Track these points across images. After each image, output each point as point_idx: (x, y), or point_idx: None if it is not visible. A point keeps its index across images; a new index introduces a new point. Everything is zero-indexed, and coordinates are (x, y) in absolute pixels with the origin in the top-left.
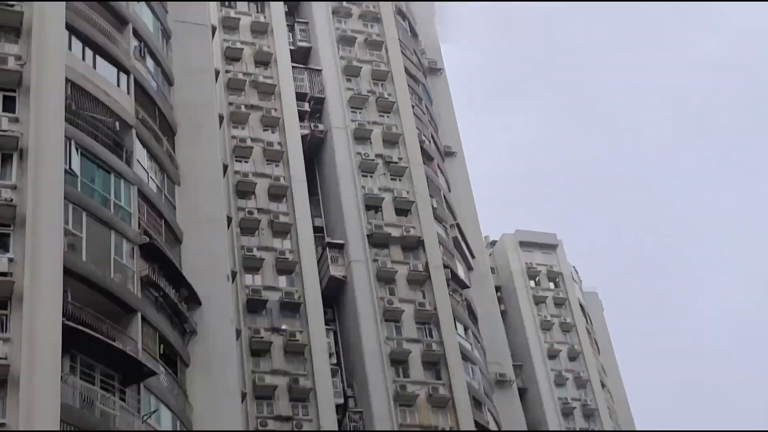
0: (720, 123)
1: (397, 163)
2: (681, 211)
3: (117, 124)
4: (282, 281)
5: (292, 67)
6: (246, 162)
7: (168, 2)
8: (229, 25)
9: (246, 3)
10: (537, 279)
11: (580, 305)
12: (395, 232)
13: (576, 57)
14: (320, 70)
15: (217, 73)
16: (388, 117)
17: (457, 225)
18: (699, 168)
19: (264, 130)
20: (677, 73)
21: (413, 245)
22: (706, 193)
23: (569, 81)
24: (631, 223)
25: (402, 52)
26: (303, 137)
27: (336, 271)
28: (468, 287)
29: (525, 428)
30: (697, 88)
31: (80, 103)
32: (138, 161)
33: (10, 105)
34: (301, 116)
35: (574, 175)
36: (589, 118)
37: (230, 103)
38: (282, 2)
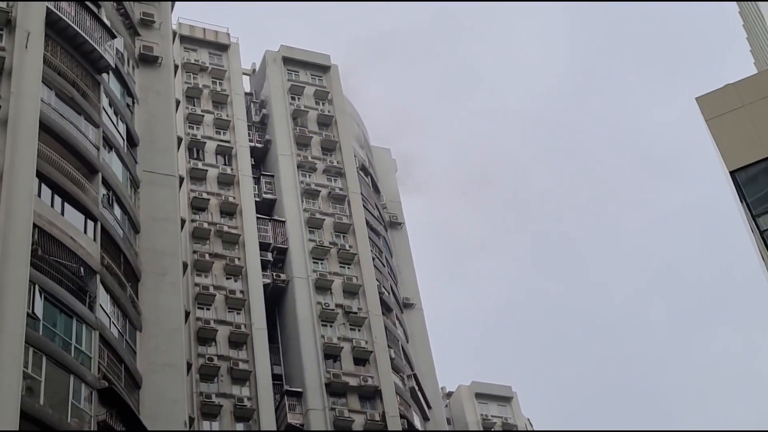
0: (686, 273)
1: (356, 313)
2: (649, 361)
3: (82, 269)
4: (240, 428)
5: (257, 217)
6: (208, 309)
7: (138, 153)
8: (197, 176)
9: (214, 155)
10: (492, 431)
11: None
12: (353, 381)
13: (544, 206)
14: (284, 222)
15: (183, 221)
16: (349, 268)
17: (414, 375)
18: (668, 317)
19: (227, 279)
20: (645, 223)
21: (370, 395)
22: (675, 342)
23: (537, 230)
24: (598, 374)
25: (364, 206)
26: (265, 286)
27: (293, 419)
28: None
29: None
30: (664, 239)
31: (46, 249)
32: (101, 306)
33: None
34: (264, 265)
35: (538, 326)
36: (554, 269)
37: (195, 251)
38: (249, 156)
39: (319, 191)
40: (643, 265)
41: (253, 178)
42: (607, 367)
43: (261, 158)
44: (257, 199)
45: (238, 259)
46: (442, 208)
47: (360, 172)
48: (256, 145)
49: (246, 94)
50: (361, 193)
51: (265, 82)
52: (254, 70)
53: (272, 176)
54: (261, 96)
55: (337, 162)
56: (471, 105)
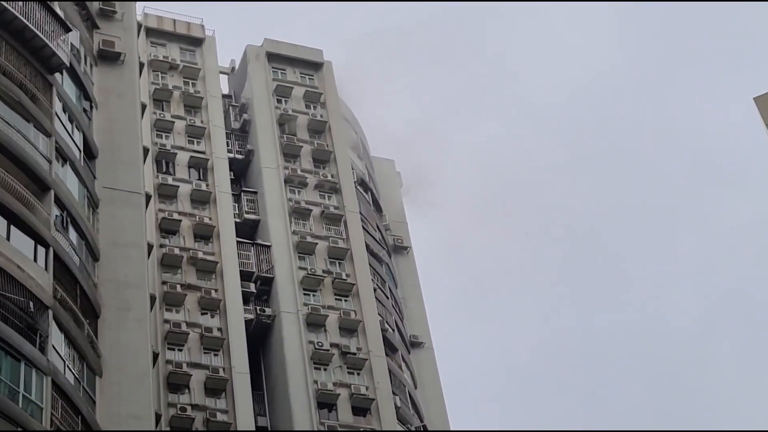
0: (758, 297)
1: (355, 354)
2: (715, 404)
3: (31, 304)
4: None
5: (237, 242)
6: (180, 350)
7: (96, 167)
8: (166, 193)
9: (186, 169)
10: None
11: None
12: None
13: (582, 222)
14: (269, 246)
15: (150, 247)
16: (346, 301)
17: (424, 427)
18: (735, 350)
19: (202, 314)
20: (706, 239)
21: None
22: (745, 380)
23: (574, 252)
24: (654, 423)
25: (363, 228)
26: (247, 322)
27: None
28: None
29: None
30: (729, 257)
31: None
32: (54, 347)
33: None
34: (246, 298)
35: (578, 368)
36: (596, 298)
37: (164, 282)
38: (227, 169)
39: (311, 210)
40: (704, 289)
41: (233, 195)
42: (665, 414)
43: (242, 172)
44: (237, 220)
45: (216, 290)
46: (458, 228)
47: (358, 187)
48: (236, 156)
49: (224, 96)
50: (360, 213)
51: (247, 82)
52: (233, 69)
53: (255, 193)
54: (241, 98)
55: (332, 176)
56: (497, 108)
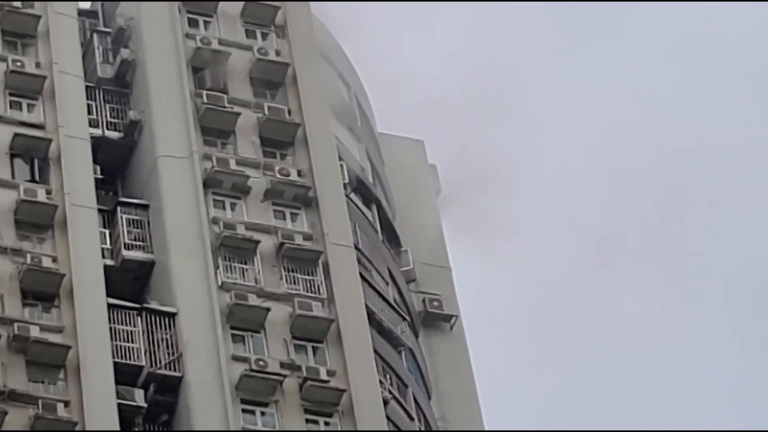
0: None
1: None
2: None
3: None
4: None
5: (109, 306)
6: None
7: None
8: None
9: (6, 159)
10: None
11: None
12: None
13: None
14: (174, 315)
15: None
16: (327, 425)
17: None
18: None
19: None
20: None
21: None
22: None
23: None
24: None
25: (363, 278)
26: None
27: None
28: None
29: None
30: None
31: None
32: None
33: None
34: (127, 419)
35: None
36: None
37: None
38: (89, 160)
39: (256, 243)
40: None
41: (101, 212)
42: None
43: (118, 165)
44: (110, 262)
45: (62, 404)
46: (549, 278)
47: (353, 196)
48: (107, 133)
49: (82, 14)
50: (357, 249)
51: None
52: None
53: (144, 208)
54: (117, 18)
55: (298, 172)
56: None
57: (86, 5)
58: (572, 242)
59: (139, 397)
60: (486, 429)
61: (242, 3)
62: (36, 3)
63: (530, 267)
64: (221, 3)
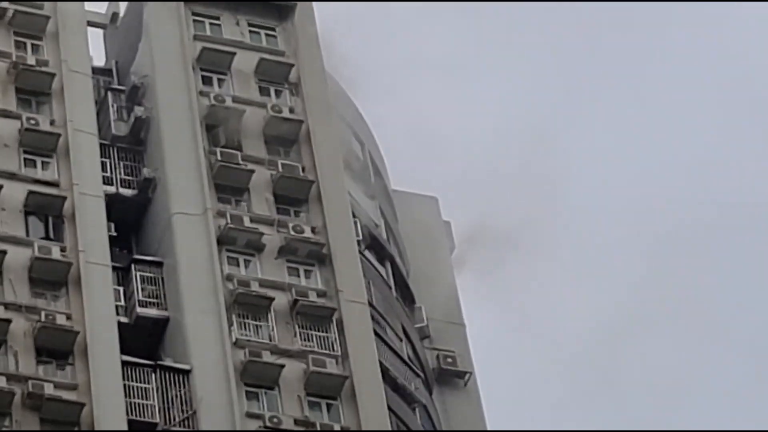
0: None
1: None
2: None
3: None
4: None
5: (124, 363)
6: None
7: None
8: None
9: (21, 216)
10: None
11: None
12: None
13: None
14: (188, 372)
15: None
16: None
17: None
18: None
19: None
20: None
21: None
22: None
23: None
24: None
25: (378, 335)
26: None
27: None
28: None
29: None
30: None
31: None
32: None
33: None
34: None
35: None
36: None
37: None
38: (104, 218)
39: (269, 300)
40: None
41: (116, 270)
42: None
43: (132, 222)
44: (124, 320)
45: None
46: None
47: (369, 253)
48: (121, 191)
49: (97, 71)
50: (372, 306)
51: (143, 40)
52: (114, 17)
53: (159, 266)
54: (131, 75)
55: (313, 229)
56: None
57: (100, 63)
58: (589, 301)
59: None
60: None
61: (256, 60)
62: (50, 61)
63: (544, 324)
64: (235, 60)
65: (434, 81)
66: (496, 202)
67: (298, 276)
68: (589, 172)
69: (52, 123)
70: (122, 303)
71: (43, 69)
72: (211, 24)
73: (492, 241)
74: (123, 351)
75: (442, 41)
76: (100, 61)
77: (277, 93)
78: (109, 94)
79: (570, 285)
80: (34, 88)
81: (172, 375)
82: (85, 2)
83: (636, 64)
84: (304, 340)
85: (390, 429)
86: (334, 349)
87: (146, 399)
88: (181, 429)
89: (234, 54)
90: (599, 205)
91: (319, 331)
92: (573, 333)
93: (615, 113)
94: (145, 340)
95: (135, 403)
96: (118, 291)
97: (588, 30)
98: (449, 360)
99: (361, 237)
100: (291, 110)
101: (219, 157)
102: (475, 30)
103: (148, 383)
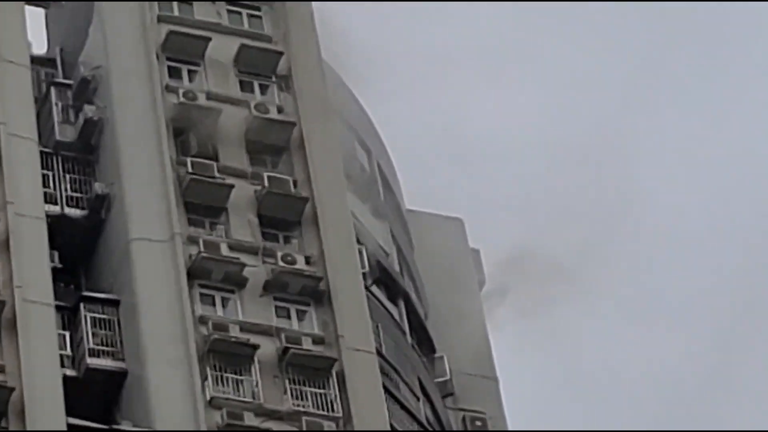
0: None
1: None
2: None
3: None
4: None
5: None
6: None
7: None
8: None
9: None
10: None
11: None
12: None
13: None
14: None
15: None
16: None
17: None
18: None
19: None
20: None
21: None
22: None
23: None
24: None
25: (389, 392)
26: None
27: None
28: None
29: None
30: None
31: None
32: None
33: None
34: None
35: None
36: None
37: None
38: (46, 245)
39: (253, 348)
40: None
41: (60, 310)
42: None
43: (83, 249)
44: (71, 373)
45: None
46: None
47: (377, 289)
48: (68, 211)
49: (36, 60)
50: (381, 355)
51: (95, 22)
52: None
53: (114, 304)
54: (80, 66)
55: (307, 259)
56: None
57: (41, 50)
58: (658, 351)
59: None
60: None
61: (236, 47)
62: None
63: (600, 379)
64: (209, 47)
65: (463, 75)
66: (538, 225)
67: (289, 318)
68: (659, 190)
69: None
70: (68, 352)
71: None
72: (179, 2)
73: (534, 274)
74: (69, 412)
75: (476, 26)
76: (40, 48)
77: (263, 88)
78: (52, 89)
79: (634, 330)
80: None
81: None
82: None
83: (712, 69)
84: (297, 398)
85: None
86: (333, 410)
87: None
88: None
89: (208, 40)
90: (670, 231)
91: (315, 387)
92: (637, 391)
93: (688, 124)
94: (97, 398)
95: None
96: (63, 336)
97: (656, 27)
98: (478, 423)
99: (367, 269)
100: (280, 110)
101: (190, 169)
102: (519, 15)
103: None
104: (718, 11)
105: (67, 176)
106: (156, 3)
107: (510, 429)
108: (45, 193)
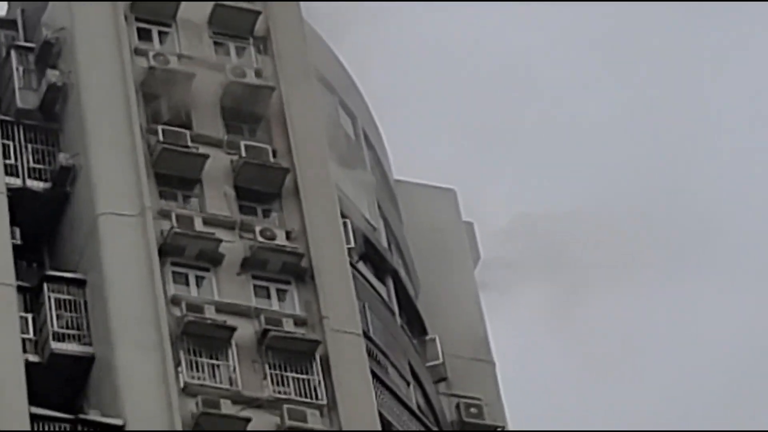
0: None
1: None
2: None
3: None
4: None
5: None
6: None
7: None
8: None
9: None
10: None
11: None
12: None
13: None
14: None
15: None
16: None
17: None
18: None
19: None
20: None
21: None
22: None
23: None
24: None
25: (376, 377)
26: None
27: None
28: None
29: None
30: None
31: None
32: None
33: None
34: None
35: None
36: None
37: None
38: (7, 223)
39: (230, 330)
40: None
41: (24, 292)
42: None
43: (46, 224)
44: (34, 358)
45: None
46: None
47: (363, 266)
48: (30, 184)
49: None
50: (368, 337)
51: None
52: None
53: (81, 283)
54: (43, 29)
55: (288, 234)
56: None
57: (1, 12)
58: (701, 340)
59: None
60: None
61: (210, 6)
62: None
63: (596, 359)
64: (182, 7)
65: (459, 17)
66: (535, 194)
67: (269, 298)
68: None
69: None
70: (31, 336)
71: None
72: None
73: (529, 247)
74: (32, 401)
75: None
76: (0, 9)
77: (239, 51)
78: (13, 53)
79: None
80: None
81: None
82: None
83: None
84: (277, 384)
85: None
86: (317, 397)
87: None
88: None
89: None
90: (727, 208)
91: (297, 372)
92: (651, 376)
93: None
94: (62, 385)
95: None
96: (26, 319)
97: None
98: (473, 410)
99: (353, 244)
100: (258, 73)
101: (161, 138)
102: None
103: None
104: None
105: (29, 146)
106: None
107: (508, 415)
108: (5, 165)
